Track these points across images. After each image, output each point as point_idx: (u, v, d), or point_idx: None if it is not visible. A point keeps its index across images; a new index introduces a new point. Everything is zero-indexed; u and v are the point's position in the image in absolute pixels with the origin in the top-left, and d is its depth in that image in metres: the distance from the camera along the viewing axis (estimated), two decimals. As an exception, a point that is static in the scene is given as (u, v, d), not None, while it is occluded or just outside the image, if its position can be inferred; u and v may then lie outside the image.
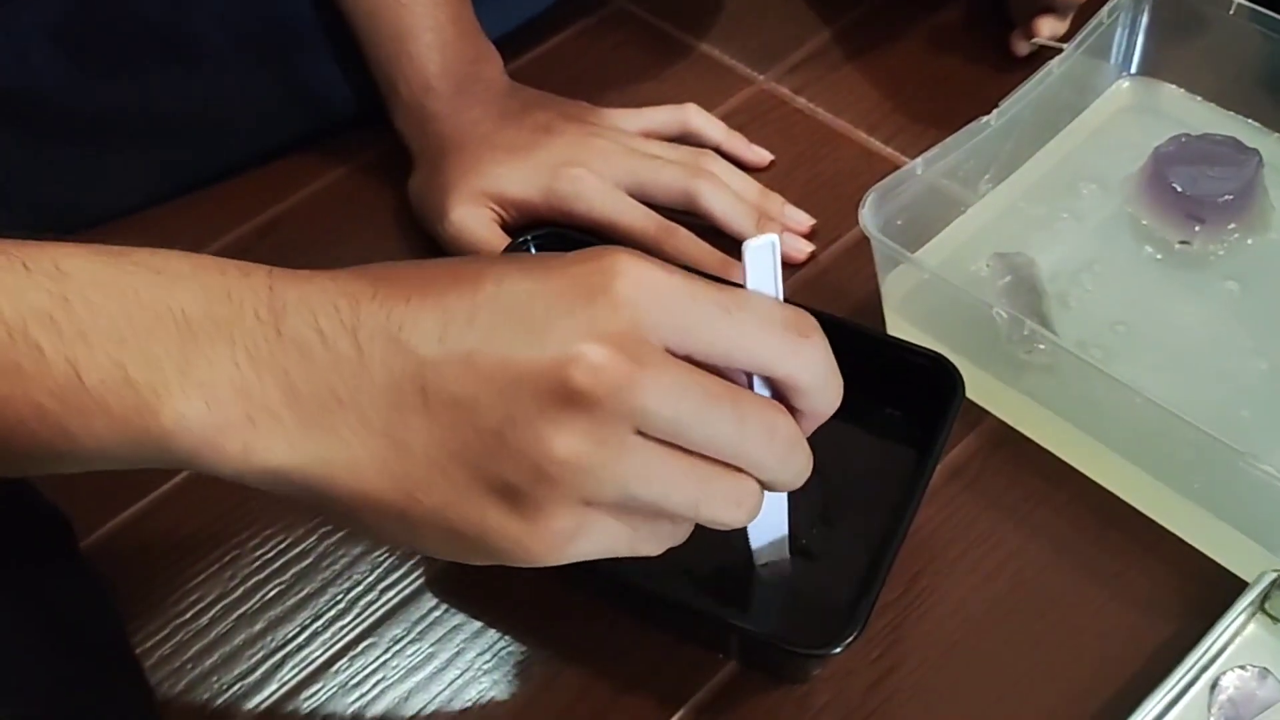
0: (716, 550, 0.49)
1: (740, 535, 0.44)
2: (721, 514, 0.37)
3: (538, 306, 0.34)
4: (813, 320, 0.37)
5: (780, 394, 0.37)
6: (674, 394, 0.34)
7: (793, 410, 0.38)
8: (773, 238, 0.37)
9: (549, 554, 0.35)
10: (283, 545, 0.52)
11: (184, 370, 0.34)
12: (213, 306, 0.35)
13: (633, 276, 0.34)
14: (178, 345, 0.34)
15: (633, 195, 0.60)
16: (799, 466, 0.38)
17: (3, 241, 0.34)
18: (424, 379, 0.34)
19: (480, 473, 0.34)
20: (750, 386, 0.37)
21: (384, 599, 0.50)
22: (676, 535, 0.38)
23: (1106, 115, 0.64)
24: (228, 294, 0.35)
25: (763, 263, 0.37)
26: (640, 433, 0.34)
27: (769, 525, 0.44)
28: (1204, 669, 0.46)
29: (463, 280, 0.35)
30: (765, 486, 0.38)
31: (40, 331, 0.33)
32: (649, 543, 0.37)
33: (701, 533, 0.49)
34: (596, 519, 0.35)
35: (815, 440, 0.51)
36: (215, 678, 0.49)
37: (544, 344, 0.33)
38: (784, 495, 0.42)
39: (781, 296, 0.38)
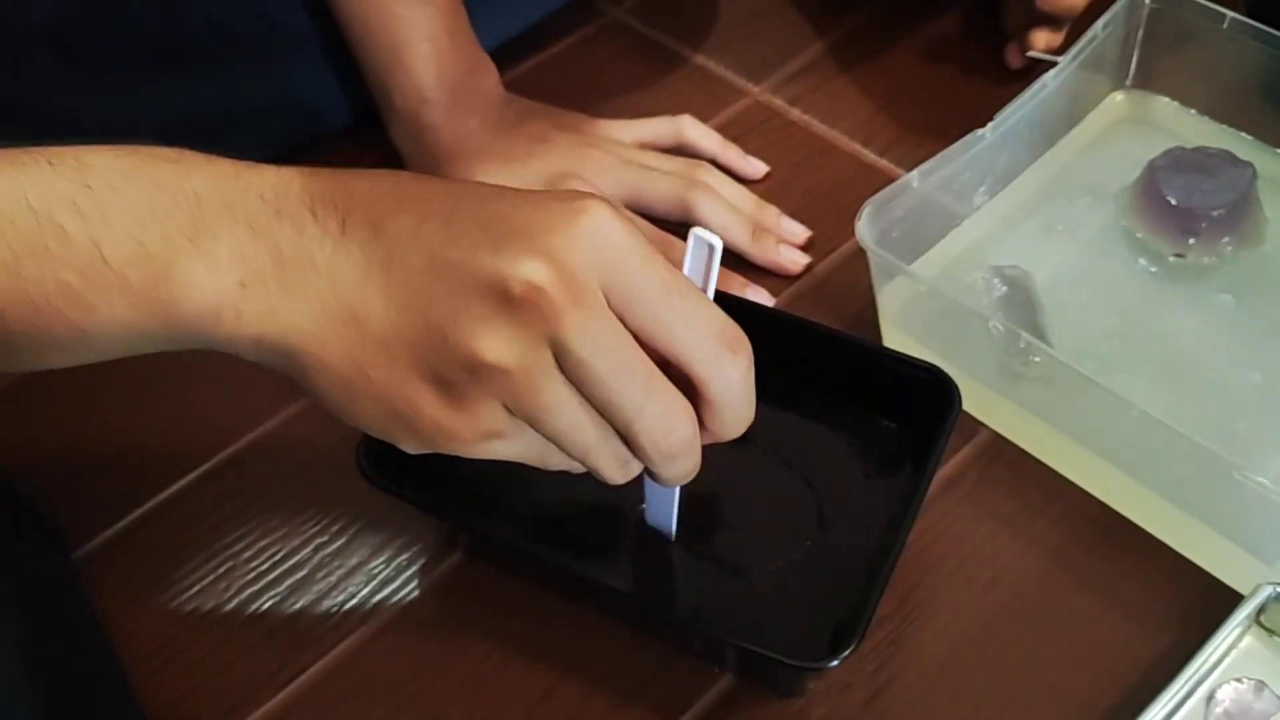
0: (713, 563, 0.49)
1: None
2: (606, 470, 0.39)
3: (507, 222, 0.37)
4: (747, 342, 0.38)
5: (692, 401, 0.38)
6: (594, 341, 0.36)
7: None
8: (718, 241, 0.38)
9: (470, 445, 0.38)
10: (277, 557, 0.52)
11: (193, 241, 0.37)
12: (224, 187, 0.38)
13: (601, 224, 0.36)
14: (189, 221, 0.37)
15: (628, 206, 0.60)
16: (681, 471, 0.40)
17: (25, 150, 0.37)
18: (391, 264, 0.37)
19: (422, 360, 0.37)
20: None
21: (379, 612, 0.50)
22: (562, 460, 0.40)
23: (1101, 128, 0.65)
24: (238, 177, 0.38)
25: (700, 256, 0.39)
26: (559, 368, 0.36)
27: (659, 495, 0.46)
28: (1200, 682, 0.46)
29: (451, 193, 0.38)
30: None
31: (66, 215, 0.36)
32: (549, 462, 0.40)
33: (698, 547, 0.49)
34: (516, 426, 0.38)
35: (812, 453, 0.52)
36: (208, 690, 0.48)
37: (499, 252, 0.36)
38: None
39: (711, 296, 0.39)
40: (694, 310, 0.37)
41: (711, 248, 0.38)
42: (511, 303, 0.35)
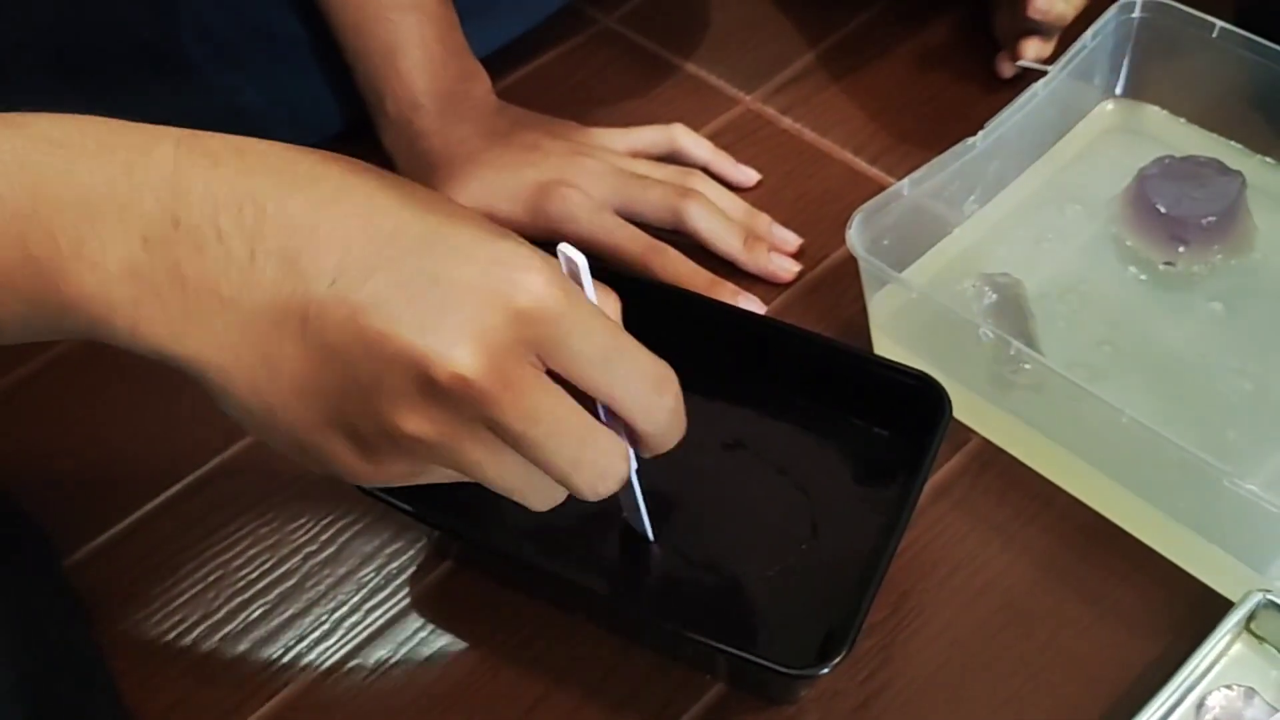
0: (704, 570, 0.49)
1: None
2: (536, 506, 0.39)
3: (435, 293, 0.35)
4: (674, 377, 0.39)
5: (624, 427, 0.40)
6: (529, 418, 0.36)
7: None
8: (581, 258, 0.38)
9: (379, 483, 0.39)
10: (267, 565, 0.52)
11: (79, 247, 0.35)
12: (113, 185, 0.35)
13: (537, 295, 0.35)
14: (75, 222, 0.35)
15: (621, 214, 0.60)
16: (607, 495, 0.39)
17: None
18: (307, 312, 0.36)
19: (337, 412, 0.36)
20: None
21: (369, 620, 0.50)
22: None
23: (1091, 137, 0.65)
24: (129, 172, 0.35)
25: (572, 269, 0.39)
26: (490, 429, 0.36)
27: (628, 493, 0.47)
28: (1190, 689, 0.46)
29: (376, 232, 0.36)
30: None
31: None
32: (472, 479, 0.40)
33: (689, 555, 0.49)
34: (431, 469, 0.38)
35: (803, 460, 0.52)
36: (197, 699, 0.48)
37: (426, 332, 0.35)
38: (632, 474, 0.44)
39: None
40: (630, 366, 0.38)
41: (574, 263, 0.38)
42: (440, 390, 0.35)
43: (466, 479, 0.39)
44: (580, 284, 0.38)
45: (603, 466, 0.38)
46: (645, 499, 0.47)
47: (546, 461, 0.37)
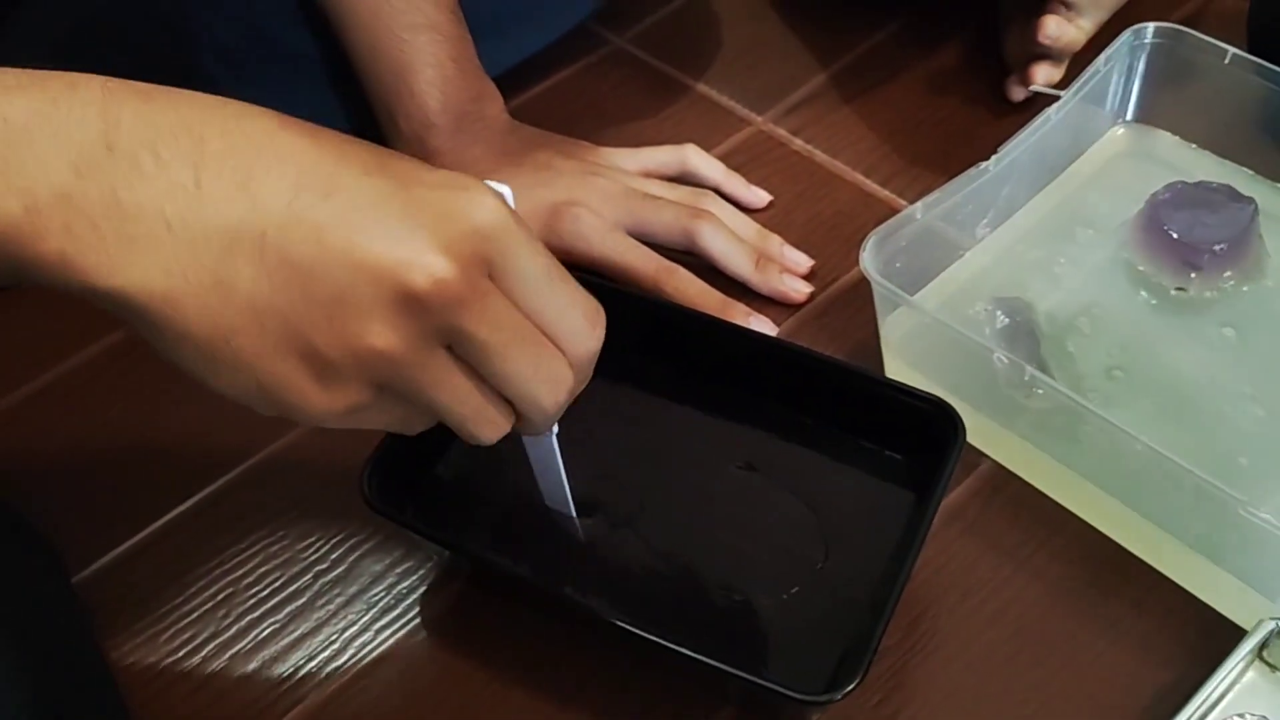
0: (716, 593, 0.49)
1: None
2: (482, 434, 0.40)
3: (395, 205, 0.36)
4: (604, 315, 0.40)
5: None
6: (493, 324, 0.37)
7: None
8: (509, 192, 0.39)
9: (332, 419, 0.38)
10: (278, 584, 0.52)
11: (4, 175, 0.34)
12: (40, 114, 0.34)
13: (492, 212, 0.36)
14: (1, 150, 0.34)
15: (633, 234, 0.60)
16: (559, 414, 0.41)
17: None
18: (264, 232, 0.35)
19: (295, 333, 0.36)
20: None
21: (379, 640, 0.50)
22: (429, 422, 0.40)
23: (1103, 161, 0.65)
24: (56, 104, 0.34)
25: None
26: (447, 347, 0.37)
27: (550, 469, 0.48)
28: (1203, 717, 0.46)
29: (323, 157, 0.36)
30: (520, 422, 0.41)
31: None
32: (412, 428, 0.40)
33: (702, 577, 0.49)
34: (382, 399, 0.38)
35: (816, 483, 0.52)
36: (206, 717, 0.48)
37: (397, 244, 0.35)
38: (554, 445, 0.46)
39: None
40: (571, 294, 0.39)
41: (502, 195, 0.39)
42: (413, 297, 0.35)
43: (406, 427, 0.39)
44: None
45: (557, 373, 0.39)
46: (567, 470, 0.48)
47: (506, 372, 0.38)
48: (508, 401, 0.39)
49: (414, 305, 0.35)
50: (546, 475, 0.48)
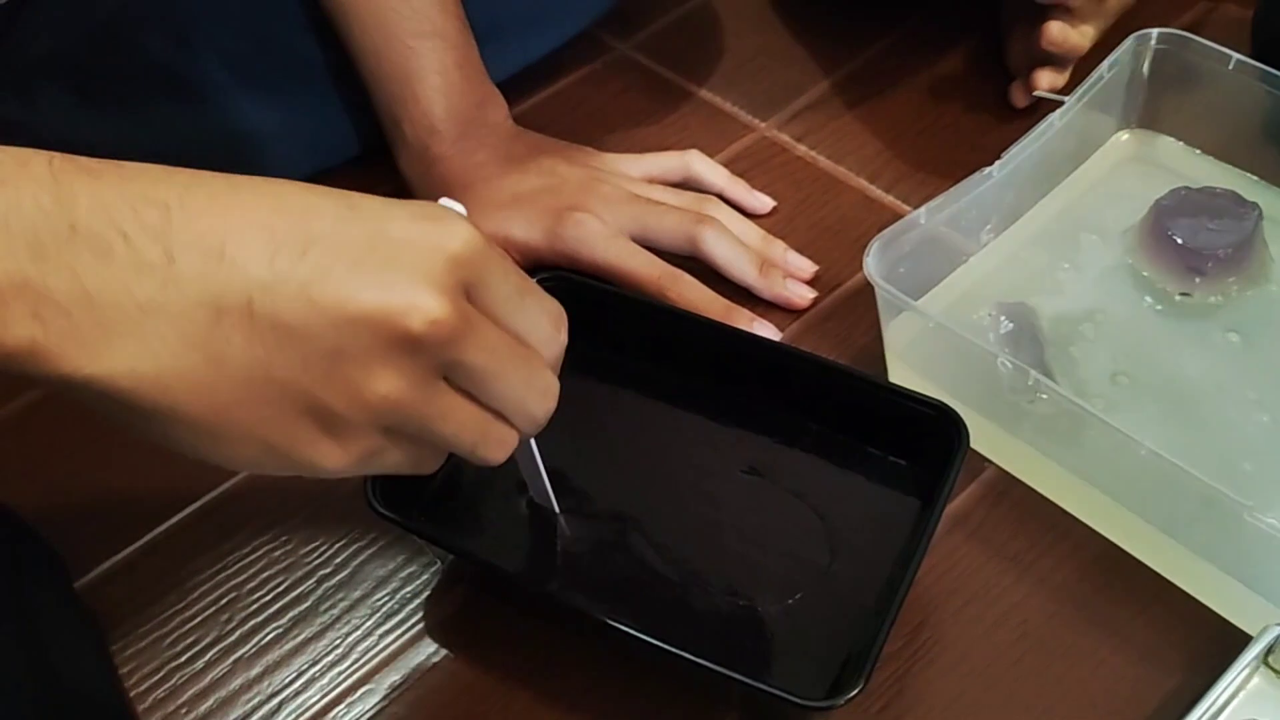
0: (720, 598, 0.49)
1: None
2: (492, 455, 0.40)
3: (375, 249, 0.36)
4: (565, 315, 0.41)
5: None
6: (488, 350, 0.37)
7: None
8: (463, 210, 0.39)
9: (345, 470, 0.38)
10: (281, 589, 0.52)
11: None
12: None
13: (467, 241, 0.37)
14: None
15: (636, 240, 0.60)
16: (547, 417, 0.41)
17: None
18: (250, 298, 0.34)
19: (298, 393, 0.35)
20: None
21: (382, 645, 0.50)
22: (442, 458, 0.41)
23: (1107, 167, 0.65)
24: (3, 181, 0.32)
25: None
26: (445, 379, 0.37)
27: (529, 465, 0.48)
28: (1209, 724, 0.46)
29: (289, 210, 0.36)
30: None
31: None
32: (426, 466, 0.40)
33: (705, 582, 0.49)
34: (392, 444, 0.38)
35: (819, 488, 0.52)
36: (210, 723, 0.48)
37: (385, 289, 0.35)
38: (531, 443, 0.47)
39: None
40: (538, 303, 0.40)
41: (460, 214, 0.39)
42: (410, 339, 0.35)
43: (419, 467, 0.39)
44: None
45: (546, 383, 0.40)
46: (545, 466, 0.48)
47: (504, 392, 0.38)
48: (504, 417, 0.40)
49: (413, 347, 0.35)
50: (529, 472, 0.49)
